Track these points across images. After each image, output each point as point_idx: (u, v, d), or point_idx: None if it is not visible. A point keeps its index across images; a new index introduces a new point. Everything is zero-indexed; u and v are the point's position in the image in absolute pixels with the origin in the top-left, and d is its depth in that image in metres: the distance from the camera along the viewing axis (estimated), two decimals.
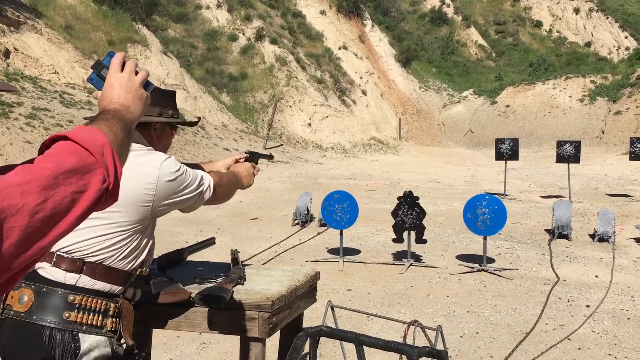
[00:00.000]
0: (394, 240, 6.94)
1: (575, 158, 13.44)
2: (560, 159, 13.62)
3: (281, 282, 2.26)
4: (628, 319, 4.93)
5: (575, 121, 31.48)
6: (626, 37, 57.77)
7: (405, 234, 6.84)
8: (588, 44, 55.35)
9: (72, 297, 1.66)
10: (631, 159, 13.66)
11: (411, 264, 6.74)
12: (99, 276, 1.72)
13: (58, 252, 1.70)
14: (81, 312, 1.67)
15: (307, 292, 2.44)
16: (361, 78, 35.60)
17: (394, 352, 2.37)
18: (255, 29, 31.60)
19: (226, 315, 2.06)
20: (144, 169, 1.79)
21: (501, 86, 37.28)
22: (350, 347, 2.95)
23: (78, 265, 1.70)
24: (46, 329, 1.62)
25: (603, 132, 29.75)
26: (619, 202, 12.67)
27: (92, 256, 1.72)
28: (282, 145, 24.80)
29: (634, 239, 8.55)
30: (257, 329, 2.04)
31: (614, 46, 56.03)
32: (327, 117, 29.88)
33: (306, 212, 9.51)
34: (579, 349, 4.21)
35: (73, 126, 15.22)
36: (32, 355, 1.63)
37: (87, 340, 1.66)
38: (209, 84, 28.13)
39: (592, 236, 8.57)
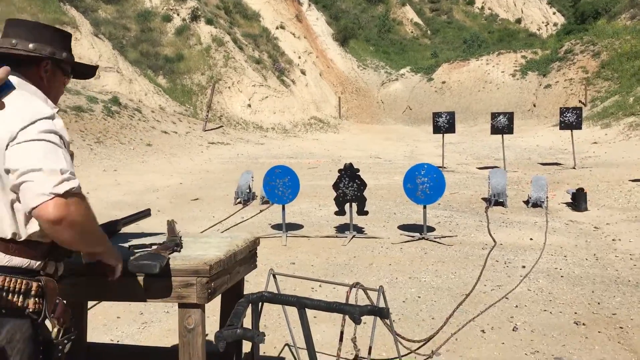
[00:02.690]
0: (336, 213, 6.97)
1: (508, 129, 13.87)
2: (495, 130, 14.02)
3: (219, 248, 2.21)
4: (561, 277, 5.14)
5: (508, 95, 32.42)
6: (554, 13, 59.81)
7: (347, 206, 6.88)
8: (518, 21, 56.97)
9: None
10: (561, 128, 14.19)
11: (354, 236, 6.79)
12: (14, 251, 1.56)
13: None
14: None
15: (246, 257, 2.40)
16: (300, 58, 35.41)
17: (336, 312, 2.37)
18: (190, 9, 30.83)
19: (163, 282, 1.99)
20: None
21: (437, 63, 37.93)
22: (295, 317, 2.93)
23: None
24: None
25: (534, 105, 30.80)
26: (551, 170, 13.18)
27: (1, 231, 1.55)
28: (222, 126, 24.45)
29: (565, 203, 8.91)
30: (195, 295, 1.99)
31: (542, 22, 57.93)
32: (267, 97, 29.62)
33: (248, 191, 9.42)
34: (516, 306, 4.36)
35: None
36: None
37: (5, 324, 1.52)
38: (144, 67, 27.31)
39: (527, 202, 8.88)
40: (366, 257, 5.97)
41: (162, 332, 4.06)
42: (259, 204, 9.22)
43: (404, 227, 7.38)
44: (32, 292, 1.59)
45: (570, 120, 13.81)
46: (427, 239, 6.62)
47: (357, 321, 2.20)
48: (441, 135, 14.49)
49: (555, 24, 55.94)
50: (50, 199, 1.46)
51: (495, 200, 8.78)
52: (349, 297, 2.70)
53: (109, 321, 4.18)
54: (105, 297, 2.29)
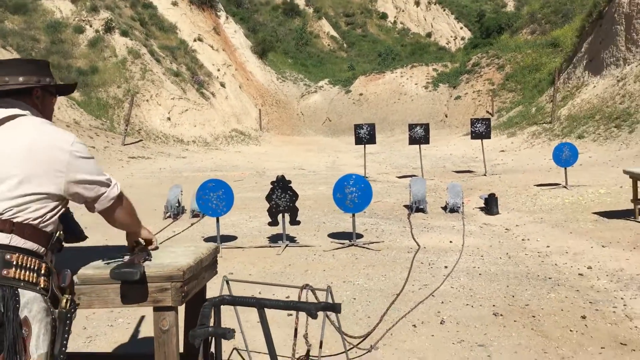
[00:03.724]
0: (270, 224, 7.21)
1: (425, 139, 14.63)
2: (413, 140, 14.75)
3: (187, 256, 2.42)
4: (480, 274, 5.64)
5: (422, 107, 33.86)
6: (461, 28, 62.90)
7: (279, 217, 7.14)
8: (429, 35, 59.49)
9: (8, 256, 1.79)
10: (472, 137, 15.12)
11: (287, 245, 7.06)
12: (28, 236, 1.85)
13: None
14: (19, 270, 1.79)
15: (210, 264, 2.62)
16: (219, 70, 35.35)
17: (294, 310, 2.64)
18: (104, 20, 30.10)
19: (139, 288, 2.18)
20: (57, 143, 1.95)
21: (354, 75, 38.99)
22: (249, 317, 3.13)
23: (8, 225, 1.82)
24: None
25: (446, 116, 32.35)
26: (464, 178, 14.03)
27: (18, 217, 1.85)
28: (141, 140, 24.00)
29: (479, 208, 9.60)
30: (170, 298, 2.20)
31: (451, 36, 60.77)
32: (187, 110, 29.35)
33: (177, 204, 9.47)
34: (442, 302, 4.78)
35: None
36: None
37: (25, 296, 1.79)
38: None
39: (444, 208, 9.49)
40: (301, 264, 6.25)
41: (109, 345, 4.15)
42: (189, 217, 9.29)
43: (333, 235, 7.73)
44: (42, 272, 1.88)
45: (480, 130, 14.76)
46: (356, 246, 7.00)
47: (314, 316, 2.48)
48: (362, 146, 15.05)
49: (462, 38, 58.90)
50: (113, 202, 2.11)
51: (416, 207, 9.33)
52: (300, 298, 2.97)
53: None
54: (82, 304, 2.43)
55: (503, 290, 5.06)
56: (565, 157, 10.76)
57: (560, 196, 9.96)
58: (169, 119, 28.01)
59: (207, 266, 2.57)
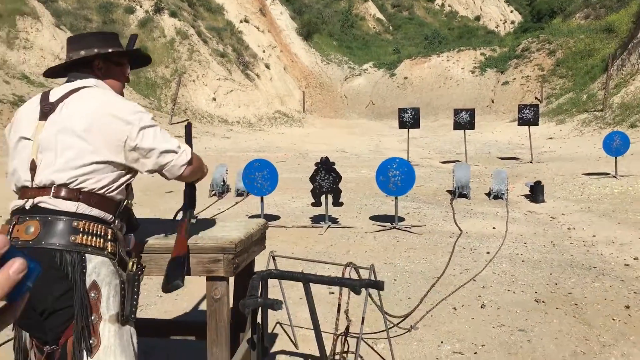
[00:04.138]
0: (313, 204, 7.32)
1: (470, 125, 14.46)
2: (457, 125, 14.60)
3: (238, 230, 2.53)
4: (522, 261, 5.62)
5: (467, 92, 33.33)
6: (512, 11, 61.35)
7: (322, 198, 7.24)
8: (477, 18, 58.24)
9: (75, 223, 1.88)
10: (519, 124, 14.86)
11: (329, 226, 7.16)
12: (94, 204, 1.93)
13: (55, 185, 1.91)
14: (85, 235, 1.88)
15: (259, 239, 2.73)
16: (264, 52, 35.53)
17: (338, 285, 2.73)
18: (153, 1, 30.60)
19: (195, 259, 2.31)
20: (117, 112, 1.97)
21: (399, 59, 38.62)
22: (291, 294, 3.23)
23: (75, 194, 1.91)
24: (56, 252, 1.83)
25: (493, 102, 31.77)
26: (510, 164, 13.83)
27: (84, 186, 1.93)
28: (187, 120, 24.44)
29: (524, 195, 9.49)
30: (222, 269, 2.31)
31: (500, 20, 59.35)
32: (232, 91, 29.69)
33: (222, 183, 9.68)
34: (483, 287, 4.80)
35: None
36: (48, 275, 1.81)
37: (92, 260, 1.88)
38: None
39: (488, 194, 9.41)
40: (342, 245, 6.34)
41: (159, 314, 4.34)
42: (233, 196, 9.50)
43: (375, 218, 7.79)
44: (109, 237, 1.96)
45: (528, 116, 14.49)
46: (398, 229, 7.04)
47: (357, 292, 2.56)
48: (406, 130, 14.98)
49: (512, 22, 57.47)
50: (188, 165, 2.11)
51: (459, 192, 9.28)
52: (344, 275, 3.06)
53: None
54: (145, 272, 2.57)
55: (546, 277, 5.04)
56: (616, 146, 10.49)
57: (609, 186, 9.74)
58: (214, 99, 28.41)
59: (257, 241, 2.68)
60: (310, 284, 2.81)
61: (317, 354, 3.25)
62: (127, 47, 2.31)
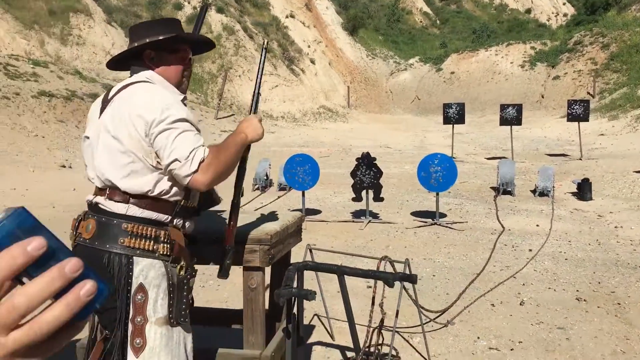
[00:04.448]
0: (354, 199, 7.36)
1: (517, 120, 14.19)
2: (504, 121, 14.35)
3: (274, 222, 2.61)
4: (565, 259, 5.53)
5: (516, 86, 32.62)
6: (564, 4, 59.64)
7: (363, 193, 7.27)
8: (528, 11, 56.86)
9: (125, 225, 1.88)
10: (569, 120, 14.50)
11: (370, 221, 7.19)
12: (145, 205, 1.92)
13: (110, 186, 1.94)
14: (134, 238, 1.88)
15: (295, 231, 2.80)
16: (309, 47, 35.65)
17: (372, 278, 2.78)
18: None
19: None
20: (142, 112, 1.89)
21: (446, 53, 38.09)
22: (329, 287, 3.28)
23: (125, 196, 1.91)
24: (105, 253, 1.87)
25: (543, 97, 31.01)
26: (558, 161, 13.52)
27: (132, 188, 1.91)
28: (233, 115, 24.80)
29: (571, 193, 9.28)
30: (258, 260, 2.39)
31: (552, 12, 57.79)
32: (277, 86, 29.94)
33: (265, 178, 9.82)
34: (523, 284, 4.76)
35: (20, 98, 14.92)
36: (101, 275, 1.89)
37: (140, 263, 1.89)
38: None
39: (534, 191, 9.25)
40: (382, 240, 6.37)
41: (200, 304, 4.47)
42: (276, 190, 9.63)
43: (416, 214, 7.78)
44: (162, 239, 1.92)
45: (578, 112, 14.11)
46: (439, 225, 7.01)
47: (390, 285, 2.60)
48: (451, 125, 14.82)
49: (565, 15, 55.84)
50: (194, 175, 1.87)
51: (503, 189, 9.15)
52: (379, 268, 3.10)
53: None
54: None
55: (589, 276, 4.94)
56: None
57: None
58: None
59: (292, 233, 2.75)
60: (346, 277, 2.87)
61: (352, 346, 3.31)
62: (195, 26, 2.23)
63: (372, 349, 3.37)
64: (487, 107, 30.92)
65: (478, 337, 3.68)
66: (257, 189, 9.71)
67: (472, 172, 11.81)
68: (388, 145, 18.14)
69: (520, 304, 4.27)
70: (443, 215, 7.51)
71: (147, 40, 1.99)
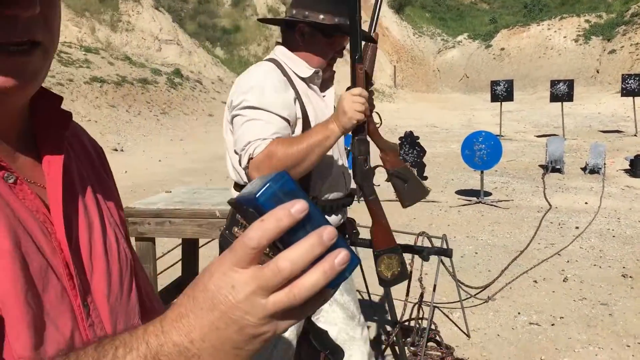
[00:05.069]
0: None
1: (568, 96, 13.80)
2: (554, 97, 13.98)
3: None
4: (613, 236, 5.41)
5: (570, 62, 31.57)
6: None
7: None
8: None
9: (238, 216, 1.77)
10: (623, 95, 14.01)
11: None
12: None
13: (235, 181, 1.91)
14: (244, 229, 1.87)
15: None
16: None
17: (409, 252, 2.82)
18: None
19: None
20: (232, 97, 1.81)
21: (495, 29, 37.13)
22: (365, 264, 3.35)
23: (240, 186, 1.85)
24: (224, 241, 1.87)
25: (598, 72, 29.91)
26: (611, 138, 13.09)
27: (241, 176, 1.85)
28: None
29: (624, 170, 9.00)
30: None
31: None
32: None
33: None
34: (568, 261, 4.70)
35: (73, 84, 15.46)
36: None
37: None
38: (202, 38, 28.07)
39: (584, 169, 9.02)
40: (425, 218, 6.38)
41: None
42: None
43: (461, 192, 7.72)
44: None
45: (632, 86, 13.61)
46: (483, 203, 6.95)
47: (425, 258, 2.63)
48: (499, 103, 14.54)
49: None
50: (248, 171, 1.74)
51: (552, 166, 8.96)
52: (416, 243, 3.14)
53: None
54: (215, 236, 2.80)
55: (637, 253, 4.84)
56: None
57: None
58: None
59: None
60: None
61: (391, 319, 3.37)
62: (371, 23, 1.91)
63: (411, 323, 3.42)
64: (539, 84, 30.07)
65: (519, 313, 3.68)
66: None
67: (521, 150, 11.58)
68: (434, 125, 17.94)
69: (564, 281, 4.23)
70: (488, 194, 7.44)
71: (304, 15, 1.82)
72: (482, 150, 6.90)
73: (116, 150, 11.97)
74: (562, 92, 13.92)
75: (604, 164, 8.76)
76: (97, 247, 0.67)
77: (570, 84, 13.90)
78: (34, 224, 0.59)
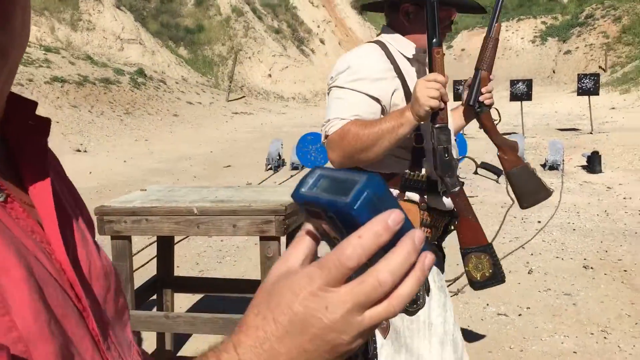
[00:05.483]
0: None
1: (527, 96, 14.18)
2: (514, 97, 14.34)
3: (288, 195, 2.74)
4: (574, 230, 5.63)
5: (527, 62, 32.37)
6: None
7: None
8: None
9: None
10: (579, 94, 14.45)
11: None
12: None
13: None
14: None
15: None
16: (318, 27, 35.55)
17: None
18: None
19: (248, 220, 2.53)
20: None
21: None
22: None
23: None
24: None
25: (554, 72, 30.76)
26: (568, 136, 13.52)
27: None
28: (244, 97, 24.90)
29: (581, 166, 9.33)
30: (274, 229, 2.52)
31: None
32: (287, 67, 29.96)
33: (278, 157, 9.95)
34: (532, 254, 4.87)
35: (33, 84, 15.12)
36: None
37: None
38: (165, 38, 27.75)
39: (544, 165, 9.30)
40: None
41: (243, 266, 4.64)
42: (288, 169, 9.76)
43: None
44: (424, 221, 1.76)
45: (588, 86, 14.06)
46: None
47: None
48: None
49: None
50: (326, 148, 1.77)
51: None
52: None
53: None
54: (200, 230, 2.82)
55: (596, 245, 5.05)
56: None
57: None
58: (269, 75, 28.77)
59: None
60: None
61: None
62: None
63: None
64: (499, 84, 30.70)
65: (487, 304, 3.82)
66: (270, 168, 9.85)
67: (483, 149, 11.84)
68: None
69: (529, 273, 4.39)
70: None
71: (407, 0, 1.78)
72: None
73: (79, 151, 11.78)
74: (521, 91, 14.29)
75: (563, 160, 9.06)
76: (96, 262, 0.60)
77: (529, 83, 14.29)
78: (33, 245, 0.51)
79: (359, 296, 0.41)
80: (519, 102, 14.59)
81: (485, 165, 1.96)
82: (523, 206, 1.83)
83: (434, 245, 1.82)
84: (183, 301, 3.73)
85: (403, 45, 1.82)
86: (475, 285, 1.78)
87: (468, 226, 1.79)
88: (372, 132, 1.63)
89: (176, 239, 3.67)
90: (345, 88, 1.72)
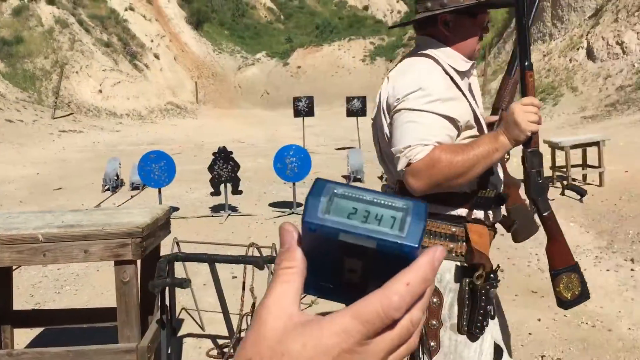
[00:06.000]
0: (212, 194, 7.38)
1: (362, 111, 15.01)
2: (350, 113, 15.10)
3: (144, 215, 2.61)
4: None
5: (359, 80, 34.30)
6: (398, 1, 63.49)
7: (222, 187, 7.32)
8: (366, 8, 59.74)
9: None
10: (348, 115, 15.40)
11: (229, 215, 7.25)
12: (435, 200, 1.65)
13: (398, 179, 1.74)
14: (426, 237, 1.64)
15: (164, 223, 2.82)
16: (152, 41, 34.48)
17: (244, 263, 2.89)
18: None
19: (101, 245, 2.37)
20: (389, 95, 1.76)
21: (292, 48, 38.94)
22: (195, 281, 3.30)
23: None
24: None
25: None
26: None
27: None
28: (72, 114, 23.31)
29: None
30: (130, 253, 2.39)
31: (388, 10, 61.27)
32: (119, 82, 28.58)
33: (116, 178, 9.44)
34: None
35: None
36: None
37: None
38: None
39: (380, 177, 9.89)
40: (244, 232, 6.47)
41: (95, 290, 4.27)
42: (128, 190, 9.30)
43: (274, 205, 7.97)
44: (458, 237, 1.71)
45: (357, 106, 15.12)
46: (297, 214, 7.27)
47: (261, 267, 2.73)
48: (301, 118, 15.28)
49: (399, 12, 59.55)
50: (404, 175, 1.65)
51: (354, 176, 9.69)
52: (248, 254, 3.21)
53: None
54: (47, 259, 2.58)
55: None
56: None
57: None
58: (100, 91, 27.24)
59: (162, 225, 2.77)
60: (216, 265, 2.94)
61: (223, 333, 3.39)
62: None
63: (244, 334, 3.48)
64: (334, 100, 32.16)
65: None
66: (107, 189, 9.30)
67: (324, 163, 12.30)
68: (240, 140, 18.22)
69: None
70: (300, 205, 7.78)
71: (440, 4, 1.73)
72: (293, 163, 7.23)
73: None
74: (356, 107, 15.09)
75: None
76: None
77: (363, 100, 15.15)
78: None
79: (392, 344, 0.37)
80: (355, 118, 15.38)
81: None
82: (519, 240, 1.88)
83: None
84: (21, 337, 3.37)
85: (453, 59, 1.79)
86: (566, 304, 1.77)
87: (559, 248, 1.78)
88: (467, 159, 1.60)
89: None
90: (420, 110, 1.66)
